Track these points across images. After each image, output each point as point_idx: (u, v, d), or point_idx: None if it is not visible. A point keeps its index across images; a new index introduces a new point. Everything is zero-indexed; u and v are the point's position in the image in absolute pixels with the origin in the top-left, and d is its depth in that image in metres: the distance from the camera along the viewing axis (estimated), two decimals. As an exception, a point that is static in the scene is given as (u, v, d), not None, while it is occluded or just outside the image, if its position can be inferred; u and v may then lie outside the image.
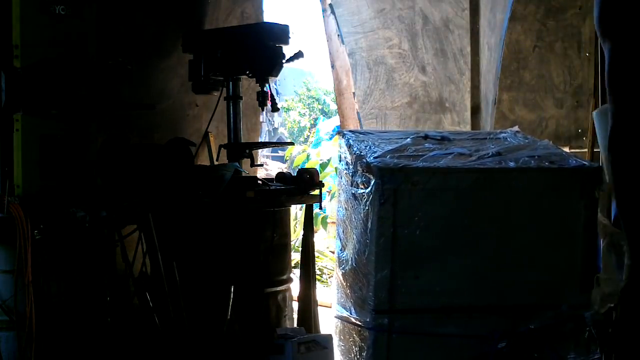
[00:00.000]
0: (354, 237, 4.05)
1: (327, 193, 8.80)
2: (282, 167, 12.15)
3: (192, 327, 3.83)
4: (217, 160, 4.74)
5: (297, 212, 8.54)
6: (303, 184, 4.37)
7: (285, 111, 24.90)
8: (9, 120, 3.48)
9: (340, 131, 4.87)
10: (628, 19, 1.99)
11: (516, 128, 4.73)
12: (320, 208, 4.81)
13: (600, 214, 3.99)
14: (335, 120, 13.36)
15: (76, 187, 3.59)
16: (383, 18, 6.97)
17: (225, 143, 4.66)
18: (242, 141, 4.66)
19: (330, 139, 12.10)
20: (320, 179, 4.54)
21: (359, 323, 4.01)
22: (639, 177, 1.98)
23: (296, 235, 7.92)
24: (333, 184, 8.73)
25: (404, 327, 3.88)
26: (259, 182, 4.34)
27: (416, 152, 4.06)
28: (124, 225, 3.84)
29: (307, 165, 9.18)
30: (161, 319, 3.77)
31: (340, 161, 4.41)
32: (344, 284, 4.21)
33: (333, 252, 6.65)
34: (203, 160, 4.86)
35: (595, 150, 5.36)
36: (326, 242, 8.31)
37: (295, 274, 4.60)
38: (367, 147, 4.11)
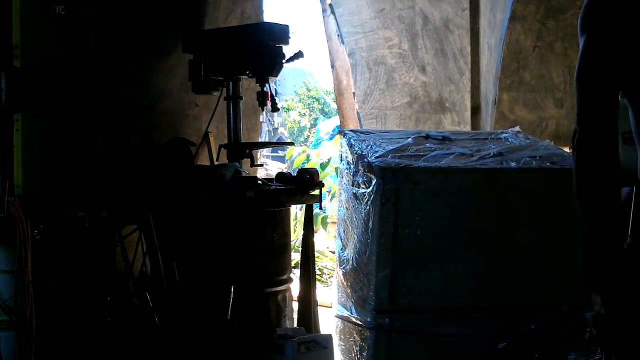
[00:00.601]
0: (355, 236, 4.05)
1: (327, 193, 8.80)
2: (282, 167, 12.15)
3: (192, 327, 3.83)
4: (217, 160, 4.74)
5: (297, 212, 8.54)
6: (303, 184, 4.36)
7: (285, 111, 24.93)
8: (9, 120, 3.48)
9: (341, 131, 4.87)
10: (606, 15, 2.00)
11: (517, 128, 4.73)
12: (320, 208, 4.81)
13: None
14: (335, 120, 13.37)
15: (76, 187, 3.58)
16: (383, 18, 6.97)
17: (225, 143, 4.66)
18: (242, 141, 4.66)
19: (331, 139, 12.10)
20: (320, 179, 4.53)
21: (360, 323, 4.01)
22: (604, 178, 1.99)
23: (296, 235, 7.91)
24: (333, 184, 8.73)
25: (405, 327, 3.88)
26: (259, 182, 4.34)
27: (417, 152, 4.06)
28: (124, 225, 3.83)
29: (307, 166, 9.18)
30: (161, 319, 3.76)
31: (341, 161, 4.41)
32: (345, 283, 4.20)
33: (333, 252, 6.65)
34: (203, 160, 4.86)
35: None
36: (326, 242, 8.31)
37: (295, 274, 4.60)
38: (369, 147, 4.10)
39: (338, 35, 7.14)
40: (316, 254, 4.96)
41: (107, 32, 4.04)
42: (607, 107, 2.00)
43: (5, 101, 3.49)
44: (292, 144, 9.64)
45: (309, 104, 25.20)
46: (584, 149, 1.99)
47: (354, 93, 7.15)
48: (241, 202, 4.07)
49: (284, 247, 4.34)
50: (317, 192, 4.46)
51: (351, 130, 4.74)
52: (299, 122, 24.82)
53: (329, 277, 7.20)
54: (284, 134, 24.93)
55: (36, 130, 3.48)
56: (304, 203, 4.51)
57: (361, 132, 4.59)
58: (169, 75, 4.84)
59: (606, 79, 2.00)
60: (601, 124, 1.99)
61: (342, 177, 4.35)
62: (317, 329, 4.41)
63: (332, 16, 7.13)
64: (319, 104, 24.81)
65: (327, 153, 9.82)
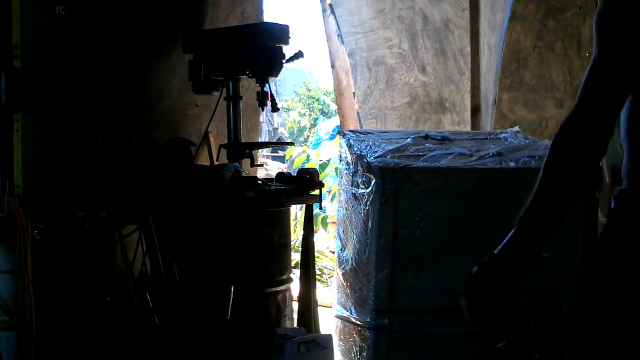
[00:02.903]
0: (355, 237, 4.05)
1: (327, 193, 8.80)
2: (282, 167, 12.15)
3: (192, 327, 3.83)
4: (217, 160, 4.74)
5: (297, 212, 8.54)
6: (303, 184, 4.37)
7: (285, 111, 24.93)
8: (9, 120, 3.48)
9: (340, 131, 4.87)
10: (621, 20, 1.99)
11: (517, 128, 4.73)
12: (320, 208, 4.81)
13: (601, 214, 3.99)
14: (335, 120, 13.36)
15: (76, 187, 3.58)
16: (383, 18, 6.97)
17: (225, 143, 4.66)
18: (242, 141, 4.66)
19: (331, 139, 12.10)
20: (320, 179, 4.54)
21: (360, 323, 4.01)
22: None
23: (296, 235, 7.91)
24: (333, 184, 8.73)
25: (405, 327, 3.88)
26: (259, 182, 4.34)
27: (417, 152, 4.06)
28: (124, 225, 3.83)
29: (307, 166, 9.18)
30: (161, 319, 3.76)
31: (340, 161, 4.41)
32: (344, 283, 4.20)
33: (333, 252, 6.65)
34: (203, 160, 4.86)
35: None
36: (326, 242, 8.31)
37: (295, 274, 4.60)
38: (368, 147, 4.11)
39: (338, 35, 7.14)
40: (316, 254, 4.96)
41: (107, 32, 4.05)
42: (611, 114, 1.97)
43: (5, 101, 3.49)
44: (292, 144, 9.65)
45: (309, 104, 25.18)
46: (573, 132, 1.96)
47: (354, 93, 7.15)
48: (241, 202, 4.08)
49: (284, 247, 4.35)
50: (317, 192, 4.46)
51: (350, 131, 4.74)
52: (299, 122, 24.82)
53: (329, 277, 7.20)
54: (284, 134, 24.93)
55: (36, 130, 3.48)
56: (304, 203, 4.52)
57: (360, 133, 4.59)
58: (169, 75, 4.84)
59: (616, 94, 1.97)
60: (598, 120, 1.96)
61: (342, 178, 4.35)
62: (317, 329, 4.41)
63: (332, 16, 7.13)
64: (319, 104, 24.80)
65: (327, 153, 9.82)
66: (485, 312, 2.02)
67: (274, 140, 19.83)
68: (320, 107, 24.59)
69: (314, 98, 25.00)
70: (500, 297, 2.01)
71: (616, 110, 1.96)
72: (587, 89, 1.99)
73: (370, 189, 3.88)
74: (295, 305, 4.56)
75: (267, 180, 4.44)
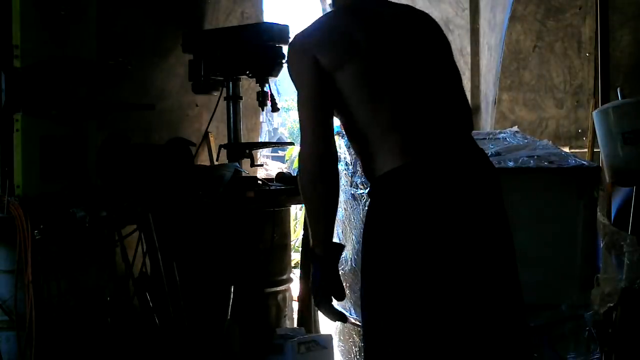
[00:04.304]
0: (354, 237, 4.05)
1: (327, 193, 8.78)
2: (282, 167, 12.14)
3: (192, 327, 3.83)
4: (217, 160, 4.74)
5: (297, 212, 8.54)
6: (303, 184, 4.36)
7: (286, 111, 24.90)
8: (9, 120, 3.48)
9: (339, 131, 4.86)
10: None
11: (515, 128, 4.72)
12: (320, 208, 4.80)
13: (600, 214, 3.99)
14: (335, 120, 13.33)
15: (76, 187, 3.58)
16: (383, 18, 6.95)
17: (225, 143, 4.66)
18: (242, 141, 4.66)
19: (330, 139, 12.06)
20: (320, 179, 4.52)
21: (359, 323, 4.01)
22: None
23: (296, 235, 7.92)
24: (333, 184, 8.71)
25: (404, 327, 3.87)
26: (259, 182, 4.34)
27: (416, 152, 4.05)
28: (124, 225, 3.83)
29: (307, 165, 9.14)
30: (161, 319, 3.77)
31: (339, 161, 4.41)
32: (344, 284, 4.20)
33: (333, 252, 6.62)
34: (203, 160, 4.87)
35: (595, 150, 5.37)
36: (326, 242, 8.29)
37: (295, 274, 4.60)
38: (367, 147, 4.10)
39: (338, 35, 7.12)
40: (316, 254, 4.95)
41: (107, 32, 4.05)
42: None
43: (5, 101, 3.49)
44: (292, 144, 9.58)
45: (309, 104, 25.11)
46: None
47: (353, 93, 7.13)
48: (241, 202, 4.08)
49: (284, 247, 4.35)
50: (317, 192, 4.45)
51: (351, 131, 4.73)
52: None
53: (329, 277, 7.19)
54: (284, 134, 24.91)
55: (36, 130, 3.48)
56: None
57: (361, 132, 4.58)
58: (169, 75, 4.84)
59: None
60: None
61: (341, 178, 4.34)
62: (317, 329, 4.41)
63: (332, 16, 7.11)
64: (319, 104, 24.72)
65: (327, 153, 9.79)
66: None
67: (274, 140, 19.82)
68: (320, 107, 24.51)
69: (314, 98, 24.94)
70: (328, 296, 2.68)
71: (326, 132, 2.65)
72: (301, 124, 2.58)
73: (369, 189, 3.87)
74: (295, 305, 4.56)
75: (267, 180, 4.44)
